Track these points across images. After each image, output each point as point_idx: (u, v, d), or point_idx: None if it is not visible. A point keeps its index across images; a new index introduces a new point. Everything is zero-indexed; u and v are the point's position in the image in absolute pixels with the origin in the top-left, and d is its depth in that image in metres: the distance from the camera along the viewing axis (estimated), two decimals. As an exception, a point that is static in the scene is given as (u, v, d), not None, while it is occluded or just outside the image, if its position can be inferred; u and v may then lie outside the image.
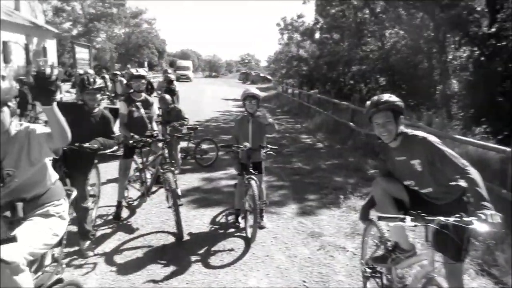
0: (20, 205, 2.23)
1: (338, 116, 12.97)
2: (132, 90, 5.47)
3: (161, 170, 5.00)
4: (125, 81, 13.08)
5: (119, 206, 5.25)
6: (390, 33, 20.58)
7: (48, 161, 2.37)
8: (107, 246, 4.51)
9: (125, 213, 5.39)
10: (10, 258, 1.90)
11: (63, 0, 40.60)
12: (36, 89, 1.95)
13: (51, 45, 32.30)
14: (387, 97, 2.76)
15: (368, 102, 2.81)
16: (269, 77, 49.12)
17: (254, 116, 4.98)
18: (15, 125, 2.23)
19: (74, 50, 18.79)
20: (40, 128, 2.22)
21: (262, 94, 5.14)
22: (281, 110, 21.16)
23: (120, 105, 5.38)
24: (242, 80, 55.23)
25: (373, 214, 3.13)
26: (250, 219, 4.77)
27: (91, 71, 9.91)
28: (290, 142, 11.56)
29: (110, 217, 5.31)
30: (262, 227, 4.96)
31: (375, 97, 2.81)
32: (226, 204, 5.95)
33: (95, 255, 4.27)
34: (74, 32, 42.16)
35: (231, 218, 5.38)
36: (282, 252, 4.46)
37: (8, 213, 2.22)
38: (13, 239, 1.72)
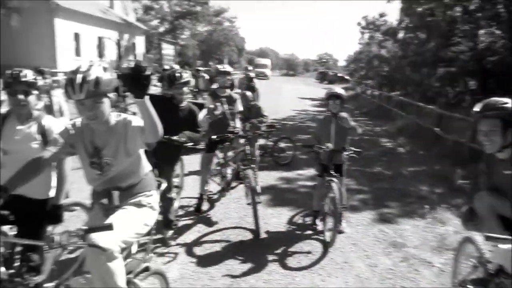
0: (116, 193, 2.32)
1: (421, 121, 12.28)
2: (217, 86, 5.57)
3: (242, 167, 5.04)
4: (207, 77, 13.50)
5: (200, 199, 5.39)
6: (485, 33, 19.03)
7: (142, 152, 2.44)
8: (188, 237, 4.64)
9: (205, 206, 5.51)
10: (106, 245, 1.98)
11: (153, -1, 43.08)
12: (131, 82, 1.97)
13: (140, 41, 34.34)
14: (499, 102, 2.48)
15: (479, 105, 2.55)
16: (347, 77, 48.00)
17: (337, 117, 4.82)
18: (114, 116, 2.31)
19: (161, 46, 19.91)
20: (135, 121, 2.28)
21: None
22: (360, 112, 20.55)
23: (206, 99, 5.51)
24: (319, 80, 54.59)
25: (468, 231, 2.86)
26: (329, 222, 4.64)
27: (177, 66, 10.32)
28: (370, 145, 11.15)
29: (191, 208, 5.46)
30: (340, 232, 4.80)
31: (485, 101, 2.54)
32: (303, 204, 5.86)
33: (176, 245, 4.42)
34: (161, 29, 44.46)
35: (308, 220, 5.29)
36: (361, 260, 4.28)
37: (105, 200, 2.33)
38: (110, 227, 1.78)
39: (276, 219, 5.34)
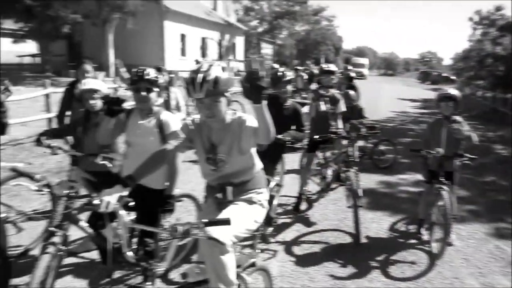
0: (230, 188, 2.39)
1: (545, 126, 10.93)
2: (316, 85, 5.51)
3: (343, 168, 4.92)
4: (306, 76, 13.47)
5: (299, 198, 5.38)
6: None
7: (254, 150, 2.48)
8: (287, 235, 4.66)
9: (303, 205, 5.49)
10: (222, 238, 2.05)
11: (253, 0, 44.16)
12: (247, 87, 1.99)
13: (239, 42, 35.51)
14: None
15: None
16: (452, 77, 44.58)
17: (450, 120, 4.46)
18: (230, 114, 2.38)
19: (260, 46, 20.34)
20: (250, 120, 2.31)
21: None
22: (469, 115, 18.87)
23: (309, 98, 5.48)
24: (420, 80, 51.51)
25: None
26: (436, 232, 4.32)
27: (276, 65, 10.43)
28: (481, 151, 10.19)
29: (289, 207, 5.48)
30: (450, 244, 4.44)
31: None
32: (405, 211, 5.56)
33: (275, 242, 4.46)
34: (260, 29, 45.47)
35: (412, 228, 4.99)
36: (474, 278, 3.92)
37: (219, 195, 2.41)
38: (228, 222, 1.83)
39: (376, 224, 5.13)
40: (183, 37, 26.91)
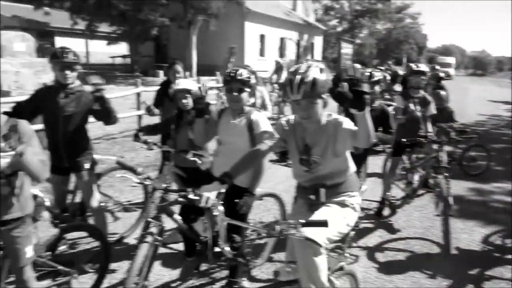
0: (323, 190, 2.38)
1: None
2: (399, 86, 5.28)
3: (432, 174, 4.67)
4: (388, 77, 12.97)
5: (382, 203, 5.21)
6: None
7: (349, 153, 2.44)
8: (369, 240, 4.53)
9: (386, 211, 5.30)
10: (318, 239, 2.04)
11: (334, -1, 43.60)
12: (348, 96, 1.97)
13: (318, 41, 35.22)
14: None
15: None
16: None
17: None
18: (325, 116, 2.36)
19: (340, 45, 19.96)
20: (347, 123, 2.29)
21: None
22: None
23: (396, 99, 5.26)
24: (516, 80, 47.22)
25: None
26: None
27: (358, 65, 10.16)
28: None
29: (371, 212, 5.32)
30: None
31: None
32: (501, 222, 5.14)
33: (357, 247, 4.35)
34: (339, 28, 44.65)
35: (508, 242, 4.60)
36: None
37: (312, 196, 2.40)
38: (325, 224, 1.82)
39: (467, 235, 4.80)
40: (262, 37, 27.28)
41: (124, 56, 25.55)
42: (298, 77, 2.16)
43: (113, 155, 7.33)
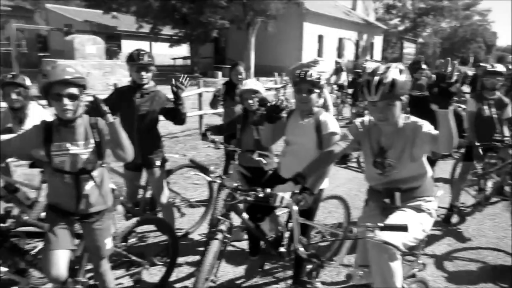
0: (398, 194, 2.31)
1: None
2: (467, 88, 4.99)
3: (509, 181, 4.39)
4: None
5: (450, 210, 4.97)
6: None
7: (425, 157, 2.36)
8: (437, 248, 4.34)
9: (454, 218, 5.06)
10: (397, 244, 1.99)
11: (396, -2, 42.20)
12: (435, 91, 1.90)
13: (378, 41, 34.28)
14: None
15: None
16: None
17: None
18: (403, 118, 2.29)
19: (402, 45, 19.29)
20: (426, 126, 2.21)
21: None
22: None
23: (468, 102, 5.00)
24: None
25: None
26: None
27: (424, 66, 9.77)
28: None
29: (438, 218, 5.09)
30: None
31: None
32: None
33: (424, 254, 4.18)
34: (401, 27, 43.14)
35: None
36: None
37: (387, 200, 2.34)
38: (405, 228, 1.77)
39: (545, 248, 4.46)
40: (320, 38, 27.02)
41: (184, 58, 26.39)
42: (376, 78, 2.12)
43: (175, 153, 7.60)
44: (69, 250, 2.45)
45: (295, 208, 2.20)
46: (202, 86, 9.84)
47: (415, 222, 2.24)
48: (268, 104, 3.11)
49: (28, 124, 3.52)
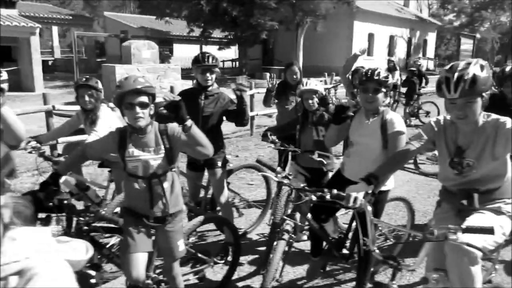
0: (476, 196, 2.22)
1: None
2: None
3: None
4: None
5: None
6: None
7: (508, 157, 2.25)
8: (506, 254, 4.10)
9: None
10: (480, 246, 1.91)
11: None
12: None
13: (431, 38, 33.06)
14: None
15: None
16: None
17: None
18: (482, 116, 2.20)
19: (460, 41, 18.44)
20: (510, 123, 2.11)
21: None
22: None
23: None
24: None
25: None
26: None
27: (484, 62, 9.31)
28: None
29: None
30: None
31: None
32: None
33: (486, 259, 3.97)
34: (456, 23, 41.30)
35: None
36: None
37: (464, 201, 2.25)
38: (490, 231, 1.69)
39: None
40: (370, 36, 26.44)
41: (233, 60, 26.76)
42: (456, 74, 2.05)
43: (228, 154, 7.71)
44: (147, 252, 2.54)
45: (369, 208, 2.16)
46: (253, 88, 9.93)
47: (496, 225, 2.14)
48: (334, 105, 3.08)
49: (100, 125, 3.71)
